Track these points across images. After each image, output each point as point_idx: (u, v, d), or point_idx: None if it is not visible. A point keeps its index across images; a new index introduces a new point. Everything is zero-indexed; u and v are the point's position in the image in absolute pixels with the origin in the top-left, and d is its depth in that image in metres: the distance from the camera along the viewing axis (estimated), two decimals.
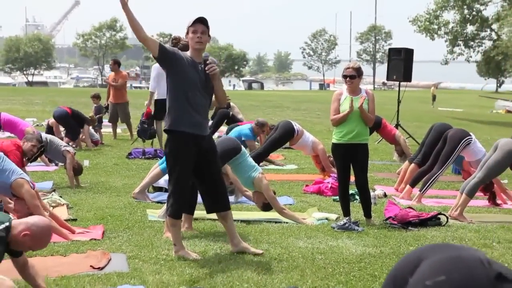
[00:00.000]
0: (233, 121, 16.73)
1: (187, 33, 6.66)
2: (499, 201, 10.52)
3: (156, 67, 16.49)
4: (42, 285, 5.30)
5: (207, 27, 6.61)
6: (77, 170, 10.59)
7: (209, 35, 6.67)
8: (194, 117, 6.59)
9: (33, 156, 9.75)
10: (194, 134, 6.61)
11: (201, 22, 6.58)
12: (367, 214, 8.74)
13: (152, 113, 15.28)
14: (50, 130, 15.32)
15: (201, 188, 7.04)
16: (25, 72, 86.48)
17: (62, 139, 14.42)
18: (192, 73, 6.56)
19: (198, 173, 6.78)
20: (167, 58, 6.56)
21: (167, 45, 6.87)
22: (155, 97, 14.84)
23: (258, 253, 6.77)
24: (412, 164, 11.34)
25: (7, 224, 4.97)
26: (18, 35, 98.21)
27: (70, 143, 13.72)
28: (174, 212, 6.70)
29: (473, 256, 2.56)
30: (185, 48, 7.35)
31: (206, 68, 6.59)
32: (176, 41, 7.87)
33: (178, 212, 6.75)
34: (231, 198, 8.46)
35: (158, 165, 9.87)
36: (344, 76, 8.64)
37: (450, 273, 2.48)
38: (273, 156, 14.01)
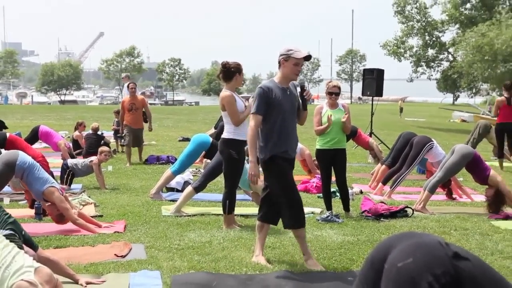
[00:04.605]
0: None
1: (286, 60, 5.87)
2: (455, 196, 10.55)
3: (127, 85, 16.41)
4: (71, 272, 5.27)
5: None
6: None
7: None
8: (292, 141, 6.02)
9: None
10: (291, 158, 6.08)
11: (307, 59, 5.92)
12: (346, 208, 8.76)
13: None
14: (75, 142, 15.37)
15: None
16: (58, 93, 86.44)
17: (81, 152, 14.51)
18: (283, 100, 5.88)
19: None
20: (267, 110, 5.88)
21: (262, 104, 5.90)
22: None
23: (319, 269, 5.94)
24: (383, 166, 11.37)
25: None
26: (53, 61, 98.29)
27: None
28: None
29: (433, 240, 2.60)
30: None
31: (304, 94, 6.02)
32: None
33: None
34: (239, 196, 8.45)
35: (169, 169, 9.89)
36: (330, 93, 8.69)
37: (415, 255, 2.51)
38: None
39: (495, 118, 15.38)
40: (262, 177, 6.36)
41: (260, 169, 6.26)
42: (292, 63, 5.87)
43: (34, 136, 13.76)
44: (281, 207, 6.02)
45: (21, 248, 4.55)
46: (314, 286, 5.35)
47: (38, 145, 15.28)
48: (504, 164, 15.00)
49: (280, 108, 5.89)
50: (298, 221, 6.01)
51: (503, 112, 14.68)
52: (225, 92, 7.56)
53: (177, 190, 10.19)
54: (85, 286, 5.11)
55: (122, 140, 15.68)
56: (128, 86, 15.23)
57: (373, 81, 19.64)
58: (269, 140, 5.93)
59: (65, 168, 10.54)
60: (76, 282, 5.16)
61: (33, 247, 4.95)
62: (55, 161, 12.80)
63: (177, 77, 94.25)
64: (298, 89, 6.23)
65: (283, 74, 5.98)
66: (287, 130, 5.95)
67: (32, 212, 8.12)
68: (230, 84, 7.61)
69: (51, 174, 8.32)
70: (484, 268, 2.54)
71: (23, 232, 4.93)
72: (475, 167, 9.48)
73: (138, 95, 15.57)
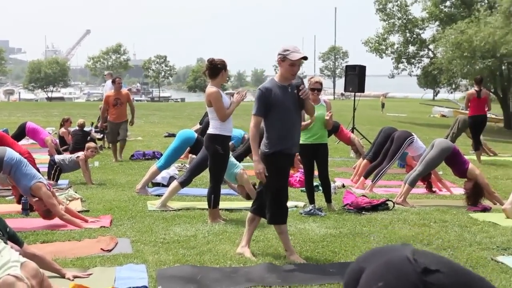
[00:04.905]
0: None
1: (283, 60, 5.87)
2: (434, 189, 10.61)
3: (108, 82, 16.87)
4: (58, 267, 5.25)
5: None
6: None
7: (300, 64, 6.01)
8: (294, 137, 6.01)
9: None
10: (292, 153, 6.09)
11: (304, 59, 5.93)
12: (328, 199, 8.78)
13: None
14: (61, 139, 15.29)
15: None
16: (45, 90, 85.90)
17: (67, 148, 14.42)
18: (283, 98, 5.86)
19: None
20: (268, 109, 5.89)
21: (261, 106, 5.91)
22: None
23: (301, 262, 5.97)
24: (365, 160, 11.41)
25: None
26: (40, 59, 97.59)
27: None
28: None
29: (401, 257, 2.56)
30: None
31: (300, 94, 5.90)
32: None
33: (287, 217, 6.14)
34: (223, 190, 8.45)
35: (155, 165, 9.87)
36: (312, 89, 8.66)
37: (386, 278, 2.49)
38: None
39: (467, 111, 15.55)
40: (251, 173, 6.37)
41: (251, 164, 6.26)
42: (288, 64, 5.86)
43: (21, 132, 13.71)
44: (268, 202, 6.03)
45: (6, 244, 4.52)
46: (297, 278, 5.35)
47: (25, 142, 15.20)
48: (482, 157, 15.12)
49: (282, 106, 5.87)
50: (281, 218, 6.06)
51: (473, 105, 14.95)
52: (211, 88, 7.55)
53: (163, 185, 10.18)
54: (72, 280, 5.09)
55: (101, 135, 15.63)
56: (113, 82, 14.69)
57: (355, 77, 19.68)
58: (272, 137, 5.93)
59: (52, 164, 10.49)
60: (62, 276, 5.14)
61: (19, 243, 4.91)
62: (42, 157, 12.73)
63: (163, 74, 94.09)
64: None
65: (281, 73, 5.99)
66: (289, 127, 5.94)
67: (19, 207, 8.07)
68: (216, 80, 7.60)
69: (37, 170, 8.27)
70: (458, 275, 2.52)
71: (7, 229, 4.89)
72: (454, 160, 9.54)
73: (123, 89, 14.83)
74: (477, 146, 15.10)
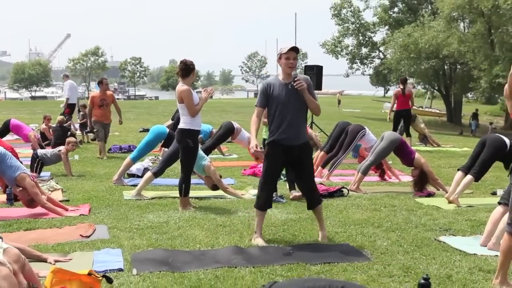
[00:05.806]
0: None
1: (280, 58, 5.92)
2: (385, 177, 10.71)
3: (67, 83, 17.28)
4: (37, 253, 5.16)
5: (298, 52, 5.99)
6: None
7: (296, 58, 5.99)
8: (287, 130, 5.92)
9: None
10: (284, 144, 5.95)
11: (294, 50, 5.88)
12: (292, 187, 8.75)
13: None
14: (42, 134, 15.04)
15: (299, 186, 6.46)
16: (29, 89, 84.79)
17: (49, 143, 14.17)
18: (280, 94, 5.90)
19: (296, 174, 6.20)
20: (268, 102, 5.96)
21: (261, 98, 5.99)
22: (69, 101, 17.21)
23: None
24: (322, 152, 11.45)
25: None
26: (24, 61, 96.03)
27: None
28: (260, 205, 6.11)
29: None
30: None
31: (294, 85, 5.85)
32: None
33: (266, 205, 6.13)
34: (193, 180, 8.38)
35: (129, 157, 9.80)
36: None
37: None
38: (222, 147, 13.97)
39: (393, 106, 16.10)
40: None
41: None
42: (284, 59, 5.92)
43: (6, 129, 13.51)
44: (258, 187, 6.14)
45: None
46: (260, 259, 5.35)
47: (10, 137, 14.95)
48: (427, 148, 15.30)
49: (278, 101, 5.92)
50: (264, 204, 6.11)
51: (400, 101, 15.75)
52: (182, 87, 7.51)
53: (138, 176, 10.08)
54: (53, 264, 5.01)
55: (92, 134, 15.13)
56: (100, 82, 13.56)
57: (314, 76, 19.70)
58: (271, 127, 6.03)
59: (35, 157, 10.32)
60: (44, 260, 5.06)
61: None
62: (26, 152, 12.53)
63: (138, 74, 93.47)
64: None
65: (282, 70, 6.03)
66: (284, 120, 5.92)
67: (4, 197, 7.93)
68: (187, 79, 7.57)
69: (21, 163, 8.13)
70: None
71: None
72: (402, 151, 9.64)
73: (108, 91, 13.72)
74: (408, 134, 15.76)
